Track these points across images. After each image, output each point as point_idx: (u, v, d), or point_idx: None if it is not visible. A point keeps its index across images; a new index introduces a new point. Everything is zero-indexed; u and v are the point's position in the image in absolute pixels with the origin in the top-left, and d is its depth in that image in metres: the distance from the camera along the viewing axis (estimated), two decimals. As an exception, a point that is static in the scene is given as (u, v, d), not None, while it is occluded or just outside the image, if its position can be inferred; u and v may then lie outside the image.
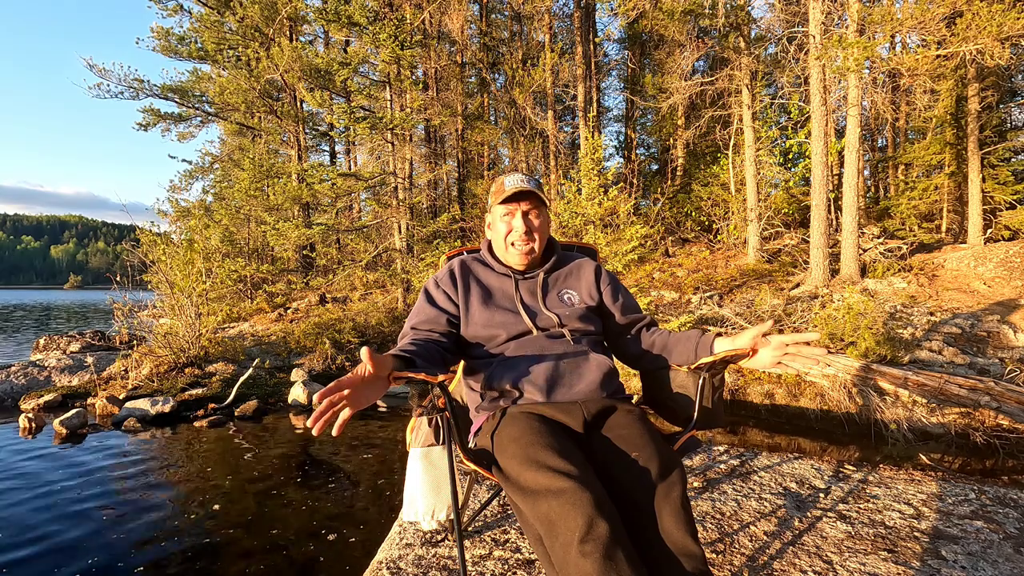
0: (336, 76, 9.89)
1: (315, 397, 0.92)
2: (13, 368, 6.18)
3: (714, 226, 11.87)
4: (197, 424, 4.88)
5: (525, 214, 1.44)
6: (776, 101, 10.41)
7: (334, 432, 0.92)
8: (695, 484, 2.32)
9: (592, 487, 1.00)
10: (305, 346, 7.93)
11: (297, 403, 5.64)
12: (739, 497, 2.17)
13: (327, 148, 15.97)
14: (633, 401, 1.42)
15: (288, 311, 11.21)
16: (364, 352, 0.99)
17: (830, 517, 2.00)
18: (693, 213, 12.52)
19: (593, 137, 7.35)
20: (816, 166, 7.67)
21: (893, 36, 8.61)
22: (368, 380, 1.01)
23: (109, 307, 7.38)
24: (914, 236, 9.79)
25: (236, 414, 5.21)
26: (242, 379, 5.87)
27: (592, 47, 13.90)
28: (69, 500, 3.18)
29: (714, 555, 1.73)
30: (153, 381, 5.87)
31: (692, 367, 1.41)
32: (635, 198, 13.21)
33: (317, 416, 0.90)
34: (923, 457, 3.87)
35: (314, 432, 0.90)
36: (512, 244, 1.45)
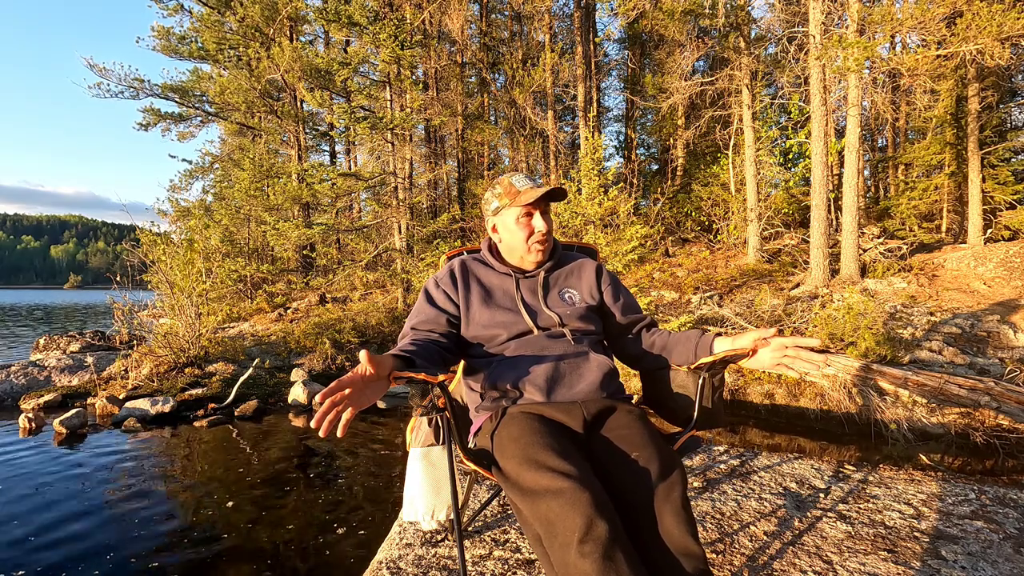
0: (336, 76, 9.89)
1: (316, 398, 0.92)
2: (13, 368, 6.18)
3: (714, 226, 11.87)
4: (197, 424, 4.88)
5: (543, 213, 1.44)
6: (776, 101, 10.40)
7: (339, 433, 0.92)
8: (695, 484, 2.31)
9: (591, 487, 1.00)
10: (305, 346, 7.93)
11: (297, 403, 5.64)
12: (739, 497, 2.16)
13: (327, 148, 15.97)
14: (633, 401, 1.42)
15: (288, 311, 11.22)
16: (363, 355, 0.99)
17: (830, 517, 2.00)
18: (693, 213, 12.52)
19: (593, 137, 7.35)
20: (816, 166, 7.67)
21: (893, 36, 8.61)
22: (368, 380, 1.01)
23: (109, 307, 7.38)
24: (914, 236, 9.79)
25: (236, 414, 5.21)
26: (242, 379, 5.87)
27: (592, 47, 13.90)
28: (69, 500, 3.18)
29: (714, 555, 1.72)
30: (153, 381, 5.87)
31: (692, 367, 1.41)
32: (635, 198, 13.21)
33: (320, 417, 0.90)
34: (923, 457, 3.87)
35: (320, 433, 0.90)
36: (535, 244, 1.45)
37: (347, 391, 0.94)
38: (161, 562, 2.51)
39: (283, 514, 3.02)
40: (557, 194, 1.43)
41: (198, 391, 5.63)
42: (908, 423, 4.34)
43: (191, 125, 14.58)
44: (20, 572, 2.41)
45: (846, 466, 2.58)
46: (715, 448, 2.82)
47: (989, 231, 9.17)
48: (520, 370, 1.34)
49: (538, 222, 1.43)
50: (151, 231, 7.69)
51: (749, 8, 9.71)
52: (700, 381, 1.38)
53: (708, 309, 7.35)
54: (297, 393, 5.72)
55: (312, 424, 0.90)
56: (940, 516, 2.02)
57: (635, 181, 15.45)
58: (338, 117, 10.55)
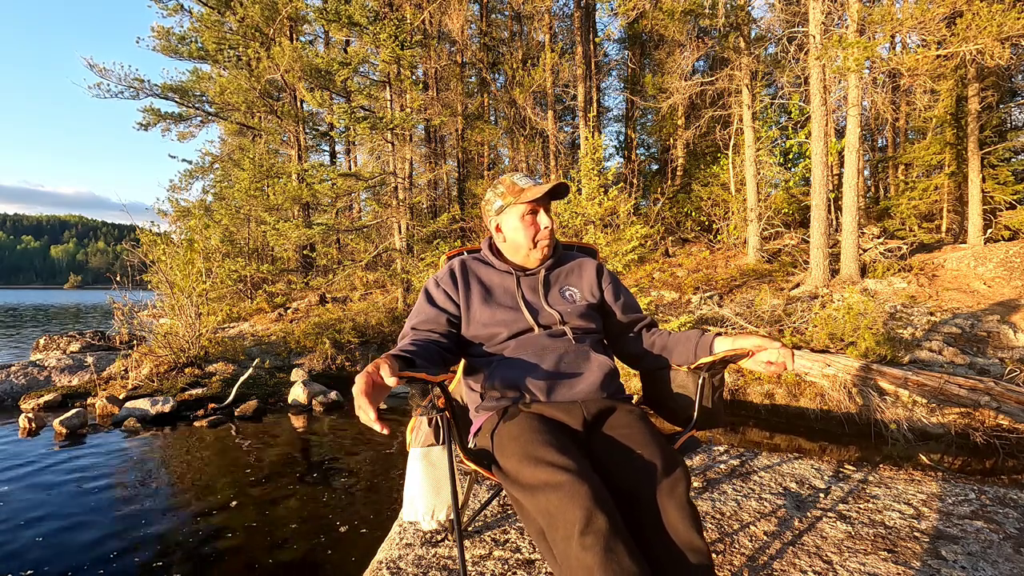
0: (336, 76, 9.89)
1: (373, 416, 1.00)
2: (13, 368, 6.18)
3: (714, 226, 11.87)
4: (197, 424, 4.88)
5: (546, 210, 1.45)
6: (776, 101, 10.40)
7: (385, 431, 1.01)
8: (695, 484, 2.31)
9: (590, 480, 1.01)
10: (305, 346, 7.93)
11: (297, 403, 5.64)
12: (739, 497, 2.16)
13: (327, 148, 15.96)
14: (633, 401, 1.42)
15: (288, 311, 11.21)
16: (387, 373, 1.04)
17: (830, 517, 2.00)
18: (693, 213, 12.52)
19: (593, 137, 7.35)
20: (816, 166, 7.67)
21: (893, 36, 8.61)
22: (379, 384, 1.04)
23: (109, 307, 7.38)
24: (914, 236, 9.79)
25: (236, 414, 5.21)
26: (242, 379, 5.87)
27: (592, 47, 13.90)
28: (68, 500, 3.18)
29: (714, 555, 1.72)
30: (153, 381, 5.87)
31: (692, 367, 1.41)
32: (635, 198, 13.21)
33: (379, 420, 1.00)
34: (923, 457, 3.87)
35: (386, 431, 1.01)
36: (541, 241, 1.45)
37: (371, 401, 1.01)
38: (162, 562, 2.51)
39: (283, 514, 3.02)
40: (561, 190, 1.44)
41: (198, 391, 5.62)
42: (908, 423, 4.34)
43: (191, 125, 14.58)
44: (29, 572, 2.41)
45: (846, 466, 2.57)
46: (715, 448, 2.82)
47: (989, 231, 9.17)
48: (520, 370, 1.34)
49: (543, 219, 1.44)
50: (151, 231, 7.69)
51: (749, 8, 9.71)
52: (700, 381, 1.38)
53: (708, 309, 7.35)
54: (297, 393, 5.72)
55: (383, 431, 1.01)
56: (940, 516, 2.02)
57: (635, 181, 15.45)
58: (338, 117, 10.55)
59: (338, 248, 13.23)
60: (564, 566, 0.95)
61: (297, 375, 6.47)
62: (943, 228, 11.05)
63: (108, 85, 11.45)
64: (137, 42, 12.35)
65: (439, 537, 1.80)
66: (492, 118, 16.41)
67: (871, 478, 2.42)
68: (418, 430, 1.25)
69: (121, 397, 5.38)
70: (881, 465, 2.66)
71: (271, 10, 10.79)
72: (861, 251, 8.18)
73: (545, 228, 1.44)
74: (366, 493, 3.32)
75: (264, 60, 10.24)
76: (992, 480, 3.19)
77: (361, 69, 11.30)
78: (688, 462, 2.58)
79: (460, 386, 1.65)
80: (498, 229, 1.51)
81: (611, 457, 1.17)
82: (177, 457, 4.07)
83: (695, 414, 1.39)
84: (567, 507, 0.97)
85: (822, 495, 2.21)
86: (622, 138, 17.49)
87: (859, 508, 2.08)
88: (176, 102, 13.24)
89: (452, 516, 1.23)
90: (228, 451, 4.21)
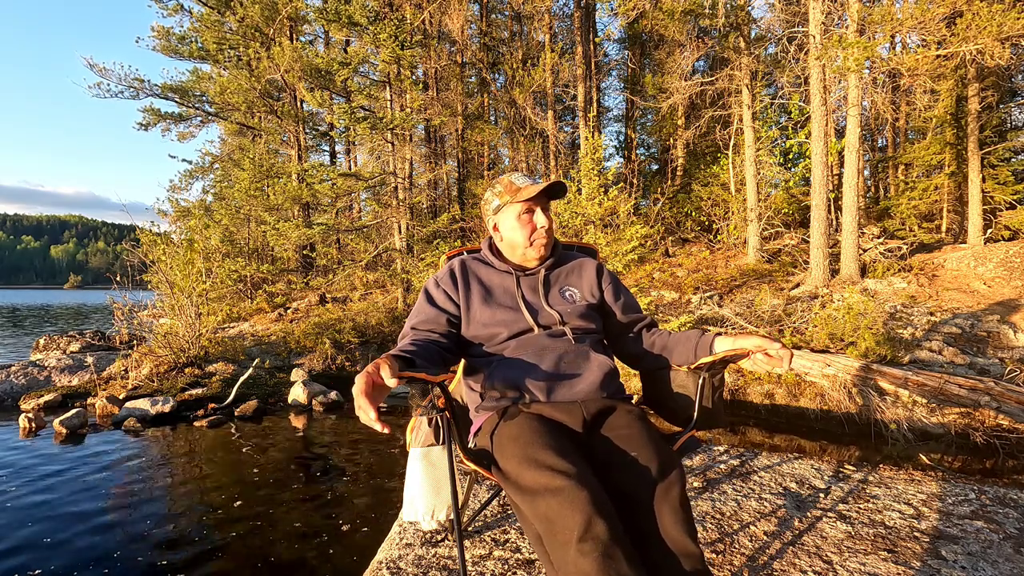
0: (336, 76, 9.89)
1: (372, 417, 0.98)
2: (13, 368, 6.18)
3: (714, 226, 11.87)
4: (197, 424, 4.88)
5: (544, 210, 1.45)
6: (776, 101, 10.40)
7: (386, 431, 1.00)
8: (695, 484, 2.31)
9: (589, 485, 1.00)
10: (305, 346, 7.93)
11: (297, 403, 5.64)
12: (739, 497, 2.16)
13: (327, 148, 15.96)
14: (633, 401, 1.41)
15: (288, 311, 11.21)
16: (386, 372, 1.02)
17: (830, 517, 2.00)
18: (693, 213, 12.52)
19: (593, 137, 7.35)
20: (816, 166, 7.67)
21: (893, 36, 8.61)
22: (379, 384, 1.04)
23: (109, 307, 7.38)
24: (914, 236, 9.79)
25: (236, 414, 5.21)
26: (242, 379, 5.87)
27: (592, 47, 13.90)
28: (69, 500, 3.18)
29: (714, 555, 1.72)
30: (153, 381, 5.87)
31: (692, 367, 1.41)
32: (635, 198, 13.20)
33: (379, 420, 0.99)
34: (923, 457, 3.87)
35: (386, 431, 0.99)
36: (537, 240, 1.45)
37: (371, 401, 0.99)
38: (162, 561, 2.51)
39: (283, 514, 3.02)
40: (557, 189, 1.44)
41: (198, 391, 5.62)
42: (908, 423, 4.34)
43: (191, 125, 14.57)
44: (36, 572, 2.41)
45: (846, 466, 2.57)
46: (715, 448, 2.82)
47: (989, 231, 9.17)
48: (520, 370, 1.34)
49: (539, 218, 1.44)
50: (151, 231, 7.69)
51: (749, 8, 9.71)
52: (700, 381, 1.38)
53: (708, 309, 7.35)
54: (297, 393, 5.72)
55: (385, 429, 0.99)
56: (940, 516, 2.02)
57: (635, 181, 15.45)
58: (338, 117, 10.56)
59: (338, 248, 13.23)
60: (561, 572, 0.95)
61: (297, 375, 6.46)
62: (943, 228, 11.05)
63: (108, 85, 11.46)
64: (137, 42, 12.36)
65: (439, 537, 1.80)
66: (492, 118, 16.41)
67: (871, 478, 2.42)
68: (418, 430, 1.25)
69: (121, 397, 5.38)
70: (881, 465, 2.66)
71: (271, 10, 10.79)
72: (861, 251, 8.18)
73: (542, 227, 1.43)
74: (366, 493, 3.32)
75: (264, 60, 10.24)
76: (992, 480, 3.19)
77: (361, 69, 11.30)
78: (688, 462, 2.58)
79: (460, 386, 1.65)
80: (496, 228, 1.51)
81: (611, 458, 1.17)
82: (177, 457, 4.07)
83: (695, 414, 1.39)
84: (566, 513, 0.96)
85: (822, 495, 2.21)
86: (622, 138, 17.51)
87: (859, 508, 2.08)
88: (176, 102, 13.24)
89: (452, 516, 1.23)
90: (228, 451, 4.21)
